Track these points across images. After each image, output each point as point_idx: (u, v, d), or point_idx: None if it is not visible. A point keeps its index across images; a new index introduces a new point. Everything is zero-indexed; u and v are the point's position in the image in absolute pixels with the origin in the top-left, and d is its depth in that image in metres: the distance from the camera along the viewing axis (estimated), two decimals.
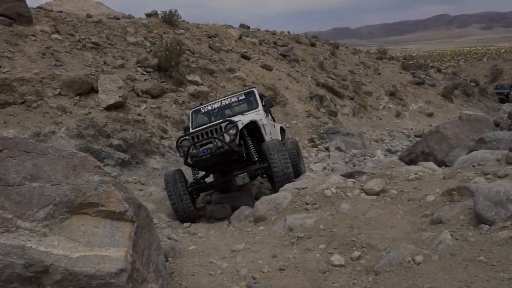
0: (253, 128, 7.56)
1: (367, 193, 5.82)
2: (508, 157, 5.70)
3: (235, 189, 8.70)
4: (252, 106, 8.32)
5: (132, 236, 3.27)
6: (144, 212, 3.71)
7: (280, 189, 6.36)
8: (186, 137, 7.06)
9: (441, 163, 8.00)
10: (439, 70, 35.91)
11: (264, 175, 7.27)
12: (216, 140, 6.75)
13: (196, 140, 6.90)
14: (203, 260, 4.42)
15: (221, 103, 8.52)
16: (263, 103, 8.28)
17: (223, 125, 6.97)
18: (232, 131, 6.87)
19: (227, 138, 6.80)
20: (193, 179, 7.64)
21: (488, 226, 3.85)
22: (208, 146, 6.73)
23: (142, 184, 9.38)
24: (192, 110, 8.80)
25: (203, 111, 8.60)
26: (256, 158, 7.22)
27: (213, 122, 7.93)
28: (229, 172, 7.45)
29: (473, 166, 5.92)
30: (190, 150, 6.79)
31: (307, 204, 5.62)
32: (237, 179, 7.05)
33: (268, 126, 8.00)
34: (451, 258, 3.40)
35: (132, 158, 10.18)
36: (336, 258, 4.21)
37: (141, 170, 10.20)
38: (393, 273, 3.51)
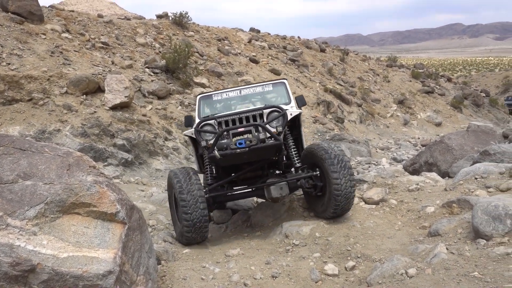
0: (290, 126, 5.80)
1: (366, 202, 5.77)
2: (511, 170, 5.62)
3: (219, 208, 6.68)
4: (281, 100, 6.34)
5: (122, 238, 3.26)
6: (137, 214, 3.70)
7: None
8: (210, 121, 5.22)
9: (444, 174, 7.91)
10: (449, 80, 35.68)
11: (309, 188, 5.34)
12: (259, 129, 5.04)
13: (225, 126, 5.14)
14: (196, 264, 4.40)
15: (240, 92, 6.54)
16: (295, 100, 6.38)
17: (266, 111, 5.25)
18: (278, 122, 5.16)
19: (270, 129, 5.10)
20: (207, 184, 5.57)
21: (485, 241, 3.79)
22: (246, 136, 5.00)
23: (144, 184, 9.40)
24: (200, 95, 6.68)
25: (215, 98, 6.55)
26: (298, 164, 5.48)
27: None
28: (253, 179, 5.75)
29: (475, 178, 5.84)
30: (219, 140, 4.97)
31: (305, 211, 5.58)
32: (272, 190, 5.26)
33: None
34: (444, 273, 3.34)
35: (136, 158, 10.22)
36: (330, 267, 4.15)
37: (144, 170, 10.24)
38: (385, 285, 3.45)
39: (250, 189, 5.59)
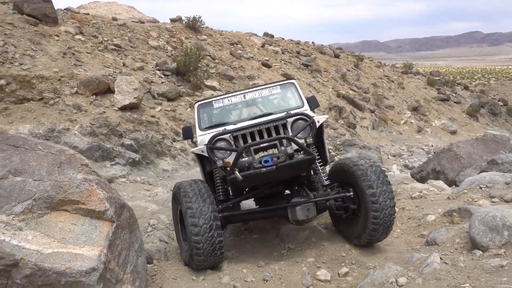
0: None
1: None
2: None
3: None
4: (292, 103, 5.60)
5: (109, 236, 3.27)
6: (127, 213, 3.71)
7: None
8: (225, 136, 4.48)
9: (451, 183, 7.75)
10: (466, 88, 35.09)
11: (340, 210, 4.64)
12: (284, 143, 4.35)
13: (243, 141, 4.45)
14: None
15: (244, 96, 5.73)
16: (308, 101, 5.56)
17: (289, 120, 4.56)
18: (305, 133, 4.49)
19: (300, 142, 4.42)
20: (219, 200, 4.74)
21: (481, 252, 3.68)
22: (272, 152, 4.28)
23: (150, 184, 9.44)
24: (198, 103, 5.84)
25: (216, 105, 5.73)
26: (327, 182, 4.73)
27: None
28: (271, 197, 4.94)
29: (480, 187, 5.70)
30: (240, 158, 4.23)
31: None
32: (298, 211, 4.42)
33: None
34: (434, 283, 3.25)
35: (143, 159, 10.28)
36: (323, 273, 4.10)
37: (150, 170, 10.29)
38: None
39: (270, 209, 4.73)
